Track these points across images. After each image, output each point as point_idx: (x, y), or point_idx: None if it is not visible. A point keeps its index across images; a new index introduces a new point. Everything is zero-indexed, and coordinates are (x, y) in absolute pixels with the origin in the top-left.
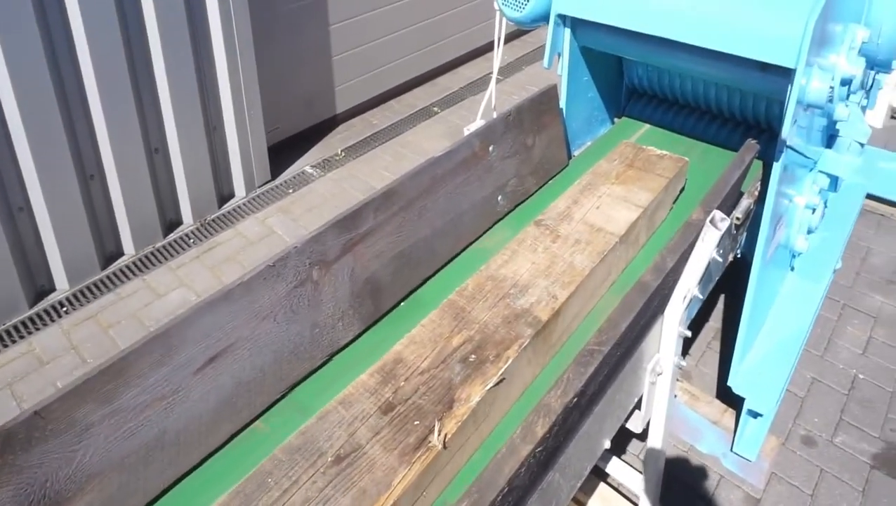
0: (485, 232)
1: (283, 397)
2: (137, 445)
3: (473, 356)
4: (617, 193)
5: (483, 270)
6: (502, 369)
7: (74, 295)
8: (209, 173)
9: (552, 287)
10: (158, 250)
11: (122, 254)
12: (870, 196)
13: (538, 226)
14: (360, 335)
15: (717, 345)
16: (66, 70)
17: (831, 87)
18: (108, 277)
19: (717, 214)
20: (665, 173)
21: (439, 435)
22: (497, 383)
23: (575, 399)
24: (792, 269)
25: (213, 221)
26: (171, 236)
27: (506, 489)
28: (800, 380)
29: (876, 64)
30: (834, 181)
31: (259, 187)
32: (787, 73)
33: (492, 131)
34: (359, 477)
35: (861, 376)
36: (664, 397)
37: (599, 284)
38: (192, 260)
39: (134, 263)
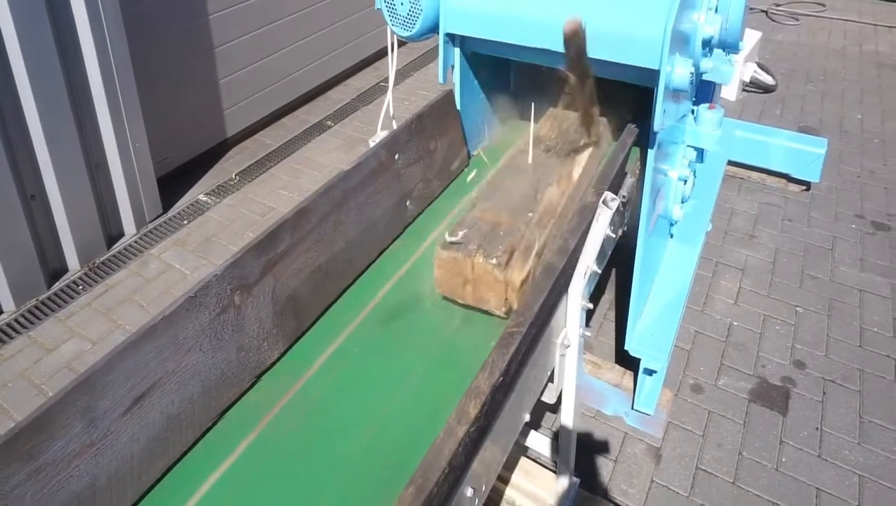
0: (396, 237)
1: (214, 424)
2: (67, 497)
3: None
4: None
5: None
6: None
7: None
8: (94, 215)
9: None
10: (44, 302)
11: (0, 312)
12: (730, 162)
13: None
14: (285, 352)
15: (612, 315)
16: None
17: (691, 73)
18: None
19: (608, 195)
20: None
21: None
22: None
23: (500, 378)
24: (671, 236)
25: (102, 263)
26: (57, 286)
27: (447, 470)
28: (685, 335)
29: (727, 47)
30: (700, 153)
31: (151, 222)
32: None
33: (396, 140)
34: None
35: (735, 324)
36: (573, 367)
37: None
38: (84, 307)
39: (16, 319)
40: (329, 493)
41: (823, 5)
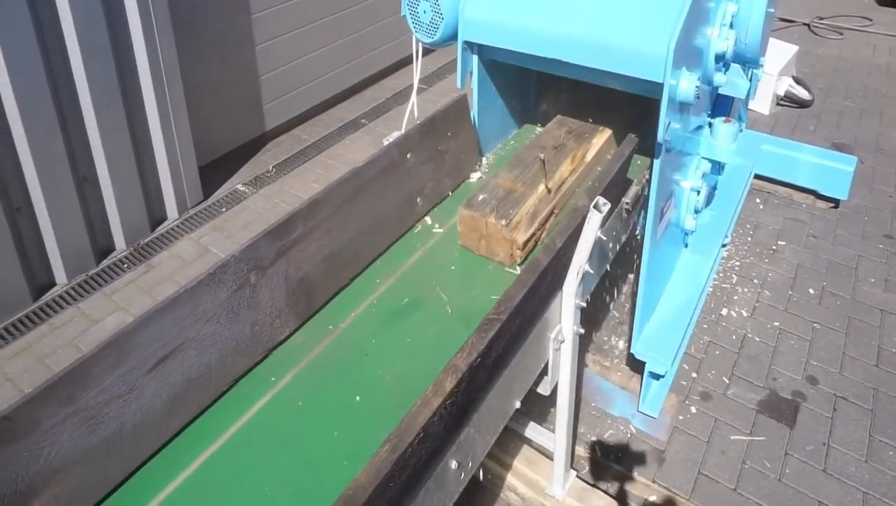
0: (407, 230)
1: (228, 389)
2: (98, 439)
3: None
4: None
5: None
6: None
7: (6, 329)
8: (140, 198)
9: None
10: (92, 278)
11: (53, 284)
12: (757, 176)
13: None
14: (296, 330)
15: (627, 319)
16: None
17: (697, 87)
18: (40, 308)
19: (600, 199)
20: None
21: None
22: None
23: (478, 359)
24: (686, 245)
25: (146, 244)
26: (105, 263)
27: (421, 435)
28: (698, 343)
29: (746, 62)
30: (717, 165)
31: (192, 208)
32: None
33: (409, 140)
34: None
35: (749, 336)
36: (567, 361)
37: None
38: (128, 284)
39: (67, 292)
40: (329, 457)
41: (870, 20)
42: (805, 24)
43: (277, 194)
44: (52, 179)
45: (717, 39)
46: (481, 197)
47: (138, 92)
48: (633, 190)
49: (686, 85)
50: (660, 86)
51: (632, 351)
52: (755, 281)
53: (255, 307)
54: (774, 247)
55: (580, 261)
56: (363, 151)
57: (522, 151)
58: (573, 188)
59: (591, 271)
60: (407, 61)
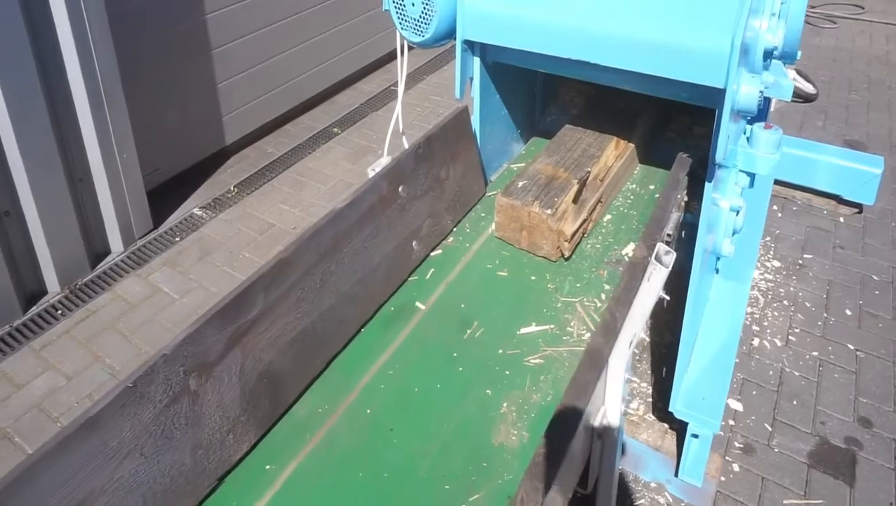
0: (400, 285)
1: None
2: None
3: None
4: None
5: None
6: None
7: None
8: (76, 231)
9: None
10: (17, 330)
11: None
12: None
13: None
14: (257, 443)
15: (647, 357)
16: None
17: (761, 91)
18: None
19: (662, 248)
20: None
21: None
22: None
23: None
24: (717, 271)
25: (85, 285)
26: (33, 310)
27: None
28: (732, 383)
29: (784, 57)
30: (752, 178)
31: (140, 239)
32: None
33: (400, 169)
34: None
35: (787, 370)
36: (613, 451)
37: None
38: (61, 336)
39: None
40: None
41: (862, 7)
42: None
43: (240, 218)
44: None
45: (767, 33)
46: (521, 184)
47: (72, 111)
48: (674, 218)
49: (748, 90)
50: (713, 91)
51: (671, 410)
52: (785, 302)
53: (197, 424)
54: (801, 261)
55: (635, 328)
56: (337, 164)
57: (562, 133)
58: (619, 175)
59: (645, 337)
60: (380, 63)
